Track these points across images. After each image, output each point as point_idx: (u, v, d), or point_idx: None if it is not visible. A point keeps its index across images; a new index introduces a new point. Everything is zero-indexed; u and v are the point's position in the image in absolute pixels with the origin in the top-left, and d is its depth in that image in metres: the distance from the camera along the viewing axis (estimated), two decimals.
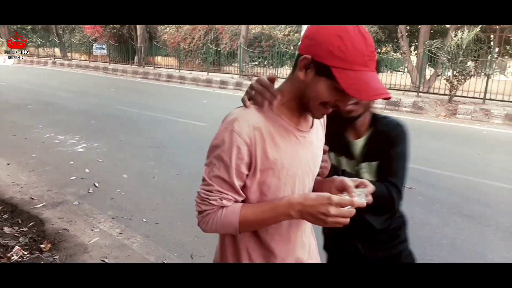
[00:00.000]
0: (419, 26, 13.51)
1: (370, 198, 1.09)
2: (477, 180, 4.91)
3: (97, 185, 4.49)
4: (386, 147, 1.52)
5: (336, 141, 1.54)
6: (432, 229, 3.64)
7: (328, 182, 1.16)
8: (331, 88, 0.99)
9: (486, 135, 7.82)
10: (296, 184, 1.12)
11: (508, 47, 13.36)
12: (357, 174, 1.58)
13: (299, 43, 1.05)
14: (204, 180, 1.09)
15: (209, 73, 16.82)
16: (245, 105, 1.09)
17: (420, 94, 11.41)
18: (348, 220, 0.98)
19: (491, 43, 11.71)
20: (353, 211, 0.98)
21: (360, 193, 1.06)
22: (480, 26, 10.11)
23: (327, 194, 0.98)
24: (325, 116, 1.23)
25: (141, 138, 6.74)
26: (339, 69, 0.95)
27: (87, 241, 3.23)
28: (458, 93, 10.51)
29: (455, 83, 10.15)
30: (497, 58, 12.04)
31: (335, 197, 0.97)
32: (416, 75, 12.15)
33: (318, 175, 1.27)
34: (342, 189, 1.09)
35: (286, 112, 1.09)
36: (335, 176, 1.16)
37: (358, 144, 1.59)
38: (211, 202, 1.06)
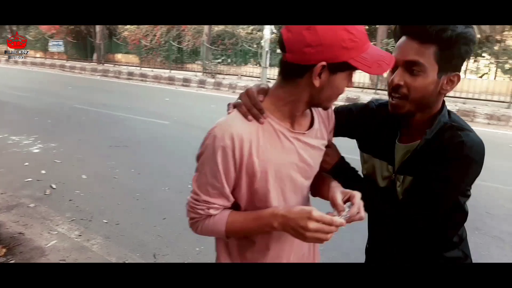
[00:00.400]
0: (377, 26, 13.98)
1: (362, 215, 1.02)
2: None
3: (54, 186, 4.38)
4: (431, 162, 1.12)
5: (377, 142, 1.29)
6: None
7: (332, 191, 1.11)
8: (345, 78, 1.01)
9: None
10: (287, 185, 1.11)
11: None
12: (392, 186, 1.24)
13: (285, 54, 1.00)
14: (192, 189, 1.10)
15: (172, 71, 16.62)
16: (228, 111, 1.09)
17: (377, 91, 11.84)
18: (328, 236, 0.95)
19: None
20: (334, 228, 0.95)
21: (348, 210, 1.02)
22: None
23: (309, 208, 0.97)
24: (332, 111, 1.26)
25: (100, 138, 6.59)
26: (355, 59, 0.96)
27: (44, 244, 3.16)
28: None
29: None
30: None
31: (316, 213, 0.95)
32: None
33: (322, 169, 1.25)
34: (333, 204, 1.06)
35: (279, 115, 1.08)
36: (332, 189, 1.09)
37: (403, 148, 1.21)
38: (198, 211, 1.09)
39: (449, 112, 1.20)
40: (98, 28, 19.85)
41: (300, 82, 1.02)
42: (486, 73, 15.54)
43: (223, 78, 15.07)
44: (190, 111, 9.41)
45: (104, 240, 3.30)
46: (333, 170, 1.27)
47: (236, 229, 1.09)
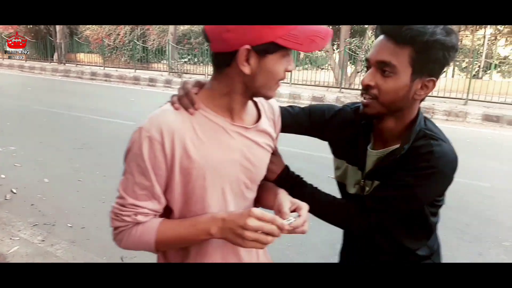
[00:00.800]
0: (340, 25, 14.28)
1: (305, 229, 0.95)
2: None
3: (14, 191, 4.21)
4: (399, 168, 1.09)
5: (349, 148, 1.26)
6: None
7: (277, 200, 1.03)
8: (279, 60, 0.92)
9: None
10: (228, 186, 1.02)
11: None
12: (362, 192, 1.22)
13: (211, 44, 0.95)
14: (118, 193, 0.98)
15: (137, 71, 16.30)
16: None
17: (342, 90, 12.11)
18: (269, 238, 0.88)
19: None
20: (275, 229, 0.88)
21: (293, 219, 0.95)
22: None
23: (251, 209, 0.89)
24: (278, 112, 1.19)
25: (63, 140, 6.40)
26: (283, 37, 0.88)
27: (5, 251, 3.04)
28: None
29: None
30: None
31: (256, 210, 0.88)
32: (338, 72, 12.86)
33: (266, 178, 1.16)
34: (278, 212, 0.98)
35: (217, 108, 0.99)
36: (279, 196, 1.03)
37: (374, 155, 1.19)
38: (124, 218, 0.97)
39: (426, 119, 1.16)
40: (58, 27, 19.16)
41: (230, 72, 0.94)
42: (444, 71, 16.19)
43: (190, 78, 14.90)
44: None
45: (69, 244, 3.22)
46: (278, 179, 1.19)
47: (169, 238, 0.97)
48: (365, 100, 1.11)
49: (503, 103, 10.15)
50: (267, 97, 1.01)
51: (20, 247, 3.11)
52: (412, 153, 1.08)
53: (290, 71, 0.98)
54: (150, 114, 0.97)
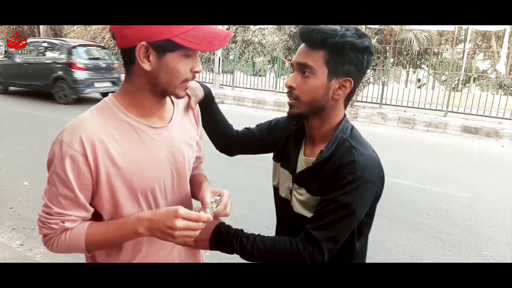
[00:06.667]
0: None
1: (228, 212, 1.05)
2: None
3: None
4: (330, 186, 1.11)
5: (283, 152, 1.31)
6: None
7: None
8: (181, 59, 0.95)
9: (382, 136, 8.68)
10: (156, 186, 1.05)
11: (401, 58, 14.93)
12: (290, 195, 1.25)
13: (113, 41, 0.99)
14: (44, 201, 0.99)
15: (122, 74, 16.14)
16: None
17: (276, 92, 12.22)
18: (197, 232, 0.94)
19: (387, 53, 12.98)
20: (202, 224, 0.94)
21: (216, 206, 1.04)
22: (376, 37, 11.15)
23: (175, 207, 0.93)
24: (198, 108, 1.23)
25: (45, 142, 6.23)
26: (179, 36, 0.91)
27: None
28: (359, 98, 11.48)
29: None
30: (391, 67, 13.39)
31: (183, 210, 0.92)
32: None
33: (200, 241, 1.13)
34: (202, 203, 1.05)
35: (135, 111, 1.01)
36: (202, 188, 1.11)
37: (304, 161, 1.22)
38: (52, 226, 0.98)
39: (352, 128, 1.21)
40: (42, 28, 18.87)
41: (135, 69, 0.97)
42: (425, 83, 16.58)
43: None
44: None
45: None
46: (213, 246, 1.13)
47: (98, 240, 0.99)
48: (289, 101, 1.17)
49: (481, 115, 10.43)
50: (176, 96, 1.03)
51: None
52: (336, 165, 1.11)
53: (197, 72, 1.01)
54: (69, 124, 0.98)
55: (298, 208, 1.20)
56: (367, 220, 1.19)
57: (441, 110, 10.88)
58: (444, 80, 15.62)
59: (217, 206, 1.04)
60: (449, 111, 10.74)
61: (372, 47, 1.12)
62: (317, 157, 1.15)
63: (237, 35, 18.51)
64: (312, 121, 1.19)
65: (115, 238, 0.99)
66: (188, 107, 1.20)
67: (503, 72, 13.68)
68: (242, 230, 1.15)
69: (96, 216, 1.04)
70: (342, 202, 1.07)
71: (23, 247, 3.14)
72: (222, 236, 1.12)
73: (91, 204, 1.01)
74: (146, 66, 0.93)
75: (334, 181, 1.09)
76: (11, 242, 3.20)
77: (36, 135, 6.74)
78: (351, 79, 1.12)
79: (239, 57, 14.89)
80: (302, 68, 1.11)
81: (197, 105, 1.27)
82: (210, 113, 1.38)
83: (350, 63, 1.10)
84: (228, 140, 1.44)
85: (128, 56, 0.95)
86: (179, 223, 0.91)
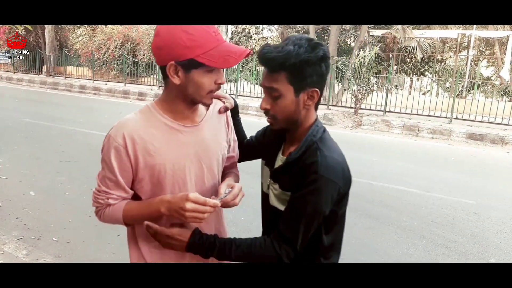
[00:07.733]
0: (327, 43, 14.54)
1: (236, 202, 1.21)
2: (380, 184, 5.44)
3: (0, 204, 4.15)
4: (297, 184, 1.19)
5: (267, 151, 1.42)
6: None
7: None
8: (205, 74, 1.13)
9: (387, 143, 8.67)
10: (187, 175, 1.24)
11: (404, 65, 14.94)
12: (268, 190, 1.35)
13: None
14: (96, 181, 1.23)
15: (127, 84, 16.28)
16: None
17: (329, 107, 12.25)
18: (205, 214, 1.10)
19: (390, 61, 13.00)
20: (209, 208, 1.10)
21: (225, 195, 1.19)
22: (379, 45, 11.18)
23: (188, 193, 1.10)
24: (229, 113, 1.42)
25: (50, 152, 6.32)
26: (201, 56, 1.09)
27: None
28: (362, 106, 11.49)
29: (359, 97, 11.10)
30: (395, 75, 13.40)
31: (192, 195, 1.09)
32: (326, 90, 13.03)
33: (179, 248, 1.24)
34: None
35: (171, 115, 1.22)
36: (224, 181, 1.28)
37: (281, 159, 1.32)
38: (99, 201, 1.22)
39: (324, 130, 1.28)
40: (47, 39, 19.10)
41: (170, 82, 1.17)
42: (429, 91, 16.57)
43: None
44: None
45: (54, 259, 3.16)
46: (189, 248, 1.19)
47: (132, 215, 1.21)
48: (268, 119, 1.28)
49: (486, 122, 10.39)
50: (204, 104, 1.24)
51: (4, 261, 3.04)
52: (302, 165, 1.20)
53: (221, 83, 1.19)
54: (117, 122, 1.20)
55: (273, 202, 1.31)
56: (334, 218, 1.25)
57: (445, 117, 10.85)
58: (448, 87, 15.59)
59: (226, 194, 1.19)
60: (454, 118, 10.71)
61: (327, 52, 1.19)
62: (287, 157, 1.27)
63: (240, 44, 18.62)
64: (289, 128, 1.30)
65: (144, 214, 1.19)
66: (220, 111, 1.38)
67: (507, 79, 13.66)
68: (217, 235, 1.25)
69: (136, 198, 1.25)
70: (306, 200, 1.17)
71: (29, 257, 3.14)
72: (201, 238, 1.20)
73: (132, 187, 1.23)
74: (176, 80, 1.14)
75: (301, 179, 1.19)
76: (17, 252, 3.21)
77: (42, 145, 6.79)
78: (316, 89, 1.20)
79: (243, 66, 14.96)
80: (270, 92, 1.20)
81: (228, 114, 1.43)
82: (233, 122, 1.52)
83: (312, 76, 1.17)
84: (241, 149, 1.57)
85: (164, 72, 1.15)
86: (189, 205, 1.08)
